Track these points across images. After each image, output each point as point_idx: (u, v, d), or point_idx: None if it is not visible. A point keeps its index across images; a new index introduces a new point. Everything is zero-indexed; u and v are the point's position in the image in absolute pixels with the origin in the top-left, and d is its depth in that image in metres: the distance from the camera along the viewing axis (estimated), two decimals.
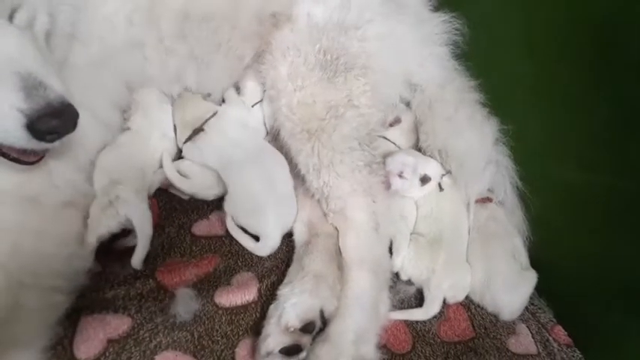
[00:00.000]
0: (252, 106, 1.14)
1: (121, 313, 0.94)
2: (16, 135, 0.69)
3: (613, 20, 0.95)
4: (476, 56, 1.23)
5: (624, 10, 0.92)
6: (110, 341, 0.91)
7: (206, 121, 1.13)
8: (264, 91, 1.13)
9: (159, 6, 1.01)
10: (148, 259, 1.01)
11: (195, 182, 1.09)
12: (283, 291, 0.96)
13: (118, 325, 0.93)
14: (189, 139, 1.11)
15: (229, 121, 1.14)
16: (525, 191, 1.14)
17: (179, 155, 1.14)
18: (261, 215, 1.05)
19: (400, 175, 1.13)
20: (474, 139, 1.18)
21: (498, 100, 1.19)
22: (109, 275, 0.98)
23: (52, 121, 0.69)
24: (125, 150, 0.95)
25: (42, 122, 0.69)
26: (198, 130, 1.12)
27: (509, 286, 1.05)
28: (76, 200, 0.89)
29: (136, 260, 0.98)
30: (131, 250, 1.00)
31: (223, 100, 1.17)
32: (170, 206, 1.12)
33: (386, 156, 1.17)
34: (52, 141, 0.72)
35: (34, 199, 0.83)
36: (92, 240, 0.92)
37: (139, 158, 1.04)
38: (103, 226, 0.94)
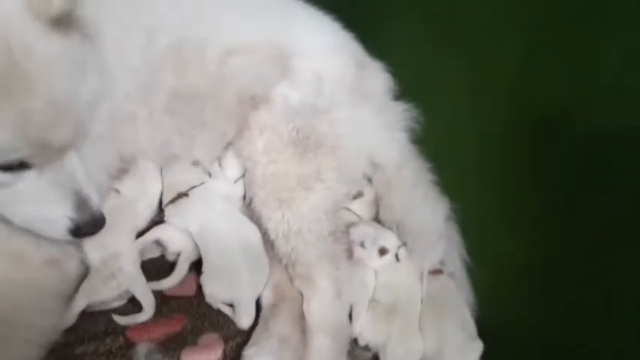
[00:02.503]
0: (235, 182, 1.23)
1: None
2: (59, 234, 0.86)
3: (556, 108, 1.09)
4: (430, 142, 1.38)
5: (567, 101, 1.06)
6: None
7: (192, 187, 1.21)
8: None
9: (152, 84, 1.12)
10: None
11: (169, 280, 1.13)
12: (248, 352, 1.01)
13: None
14: (171, 201, 1.18)
15: (214, 194, 1.22)
16: (473, 265, 1.26)
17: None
18: (239, 284, 1.11)
19: (361, 245, 1.24)
20: (428, 216, 1.30)
21: (449, 181, 1.34)
22: (79, 331, 1.00)
23: (91, 229, 0.87)
24: (114, 218, 1.01)
25: (84, 229, 0.86)
26: (182, 195, 1.19)
27: (458, 355, 1.13)
28: (58, 258, 0.94)
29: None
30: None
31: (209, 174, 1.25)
32: (142, 266, 1.17)
33: (349, 226, 1.28)
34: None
35: (19, 254, 0.88)
36: (82, 304, 0.97)
37: (128, 225, 1.11)
38: (101, 295, 0.99)
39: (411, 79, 1.41)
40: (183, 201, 1.19)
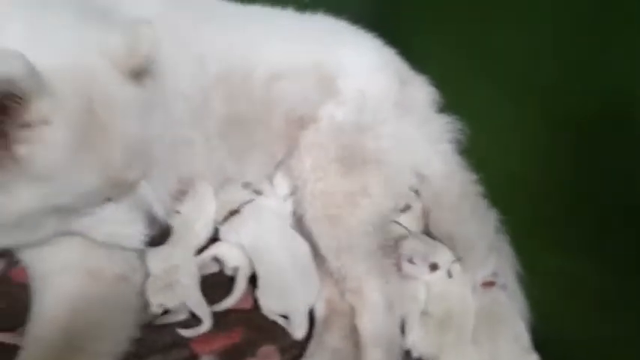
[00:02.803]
0: (285, 200, 1.29)
1: None
2: (136, 246, 0.98)
3: (609, 113, 1.06)
4: (476, 153, 1.38)
5: (610, 110, 1.05)
6: None
7: (243, 204, 1.27)
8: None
9: (205, 110, 1.20)
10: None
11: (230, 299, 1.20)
12: None
13: None
14: (225, 219, 1.24)
15: (264, 211, 1.28)
16: (526, 278, 1.24)
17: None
18: (291, 297, 1.16)
19: (410, 261, 1.25)
20: (478, 227, 1.30)
21: (497, 192, 1.33)
22: (147, 342, 1.07)
23: (161, 239, 0.98)
24: (176, 235, 1.08)
25: (156, 240, 0.98)
26: (234, 212, 1.26)
27: None
28: (128, 274, 1.03)
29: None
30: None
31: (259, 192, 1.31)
32: (203, 280, 1.23)
33: (398, 240, 1.30)
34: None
35: (95, 271, 0.97)
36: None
37: (188, 242, 1.19)
38: (156, 306, 1.08)
39: (455, 92, 1.42)
40: (236, 218, 1.25)
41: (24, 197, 0.76)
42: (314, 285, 1.19)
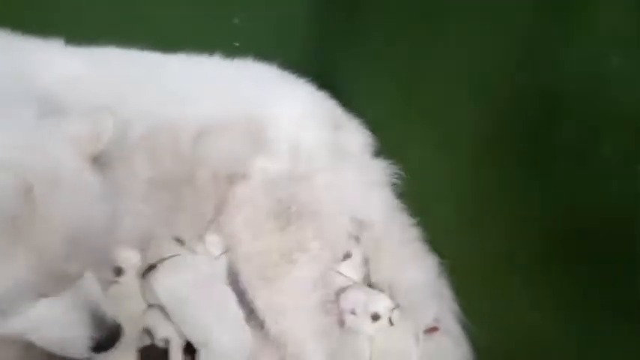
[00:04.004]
0: (218, 257, 1.23)
1: None
2: (81, 353, 0.86)
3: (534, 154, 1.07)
4: (413, 197, 1.38)
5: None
6: None
7: (162, 260, 1.20)
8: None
9: (129, 175, 1.13)
10: None
11: None
12: None
13: None
14: (143, 276, 1.18)
15: (185, 265, 1.22)
16: (468, 322, 1.23)
17: None
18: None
19: (353, 313, 1.22)
20: (419, 273, 1.29)
21: (435, 236, 1.33)
22: None
23: (111, 343, 0.87)
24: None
25: (104, 344, 0.86)
26: (151, 267, 1.19)
27: None
28: None
29: None
30: None
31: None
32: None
33: (339, 292, 1.27)
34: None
35: None
36: None
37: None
38: None
39: (390, 135, 1.42)
40: (152, 274, 1.19)
41: None
42: (244, 347, 1.14)
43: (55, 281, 0.79)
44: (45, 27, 1.18)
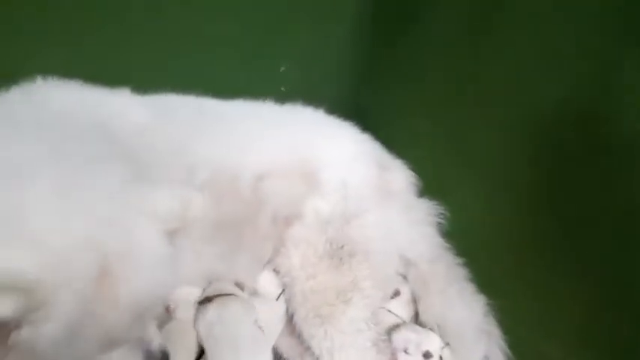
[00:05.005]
0: (277, 299, 1.28)
1: None
2: None
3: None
4: (458, 236, 1.42)
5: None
6: None
7: (219, 295, 1.25)
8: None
9: (196, 220, 1.20)
10: None
11: None
12: None
13: None
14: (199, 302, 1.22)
15: (234, 307, 1.25)
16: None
17: None
18: None
19: (405, 352, 1.26)
20: (466, 312, 1.32)
21: (483, 276, 1.36)
22: None
23: None
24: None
25: None
26: (209, 298, 1.23)
27: None
28: None
29: None
30: None
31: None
32: None
33: (390, 331, 1.30)
34: None
35: None
36: None
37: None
38: None
39: (433, 175, 1.48)
40: (204, 306, 1.22)
41: None
42: None
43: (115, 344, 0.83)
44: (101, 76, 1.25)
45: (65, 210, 0.75)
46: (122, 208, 0.81)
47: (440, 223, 1.44)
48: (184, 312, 1.22)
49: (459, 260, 1.40)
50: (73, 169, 0.81)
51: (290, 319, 1.26)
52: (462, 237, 1.42)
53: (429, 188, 1.49)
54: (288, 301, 1.27)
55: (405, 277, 1.43)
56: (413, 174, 1.50)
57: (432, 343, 1.27)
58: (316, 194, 1.33)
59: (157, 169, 1.04)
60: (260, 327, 1.22)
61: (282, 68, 1.69)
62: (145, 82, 1.32)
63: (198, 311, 1.23)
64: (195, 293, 1.26)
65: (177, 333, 1.18)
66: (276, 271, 1.30)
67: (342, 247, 1.29)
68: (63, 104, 1.06)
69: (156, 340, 0.92)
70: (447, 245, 1.43)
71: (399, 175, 1.49)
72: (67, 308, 0.71)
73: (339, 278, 1.25)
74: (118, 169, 0.88)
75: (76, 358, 0.78)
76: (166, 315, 1.19)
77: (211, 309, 1.23)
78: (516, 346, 1.28)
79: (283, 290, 1.28)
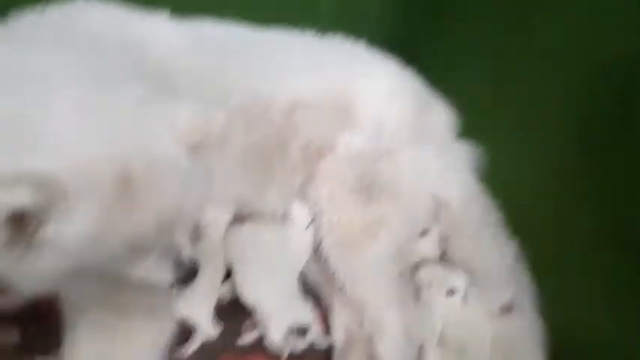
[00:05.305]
0: (306, 228, 1.30)
1: None
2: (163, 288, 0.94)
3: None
4: (496, 181, 1.37)
5: None
6: None
7: (250, 217, 1.30)
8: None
9: (225, 139, 1.21)
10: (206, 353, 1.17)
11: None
12: None
13: None
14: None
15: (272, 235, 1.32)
16: (546, 308, 1.23)
17: None
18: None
19: (429, 286, 1.26)
20: (497, 255, 1.30)
21: (518, 221, 1.32)
22: None
23: (188, 281, 0.94)
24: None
25: (182, 283, 0.93)
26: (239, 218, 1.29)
27: None
28: (157, 308, 1.05)
29: None
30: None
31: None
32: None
33: (417, 267, 1.31)
34: None
35: (121, 308, 1.00)
36: None
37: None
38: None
39: (477, 116, 1.41)
40: (236, 225, 1.29)
41: (56, 261, 0.77)
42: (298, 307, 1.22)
43: (144, 252, 0.86)
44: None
45: (89, 120, 0.76)
46: (145, 121, 0.81)
47: (477, 167, 1.39)
48: (214, 233, 1.27)
49: (494, 204, 1.36)
50: (101, 83, 0.82)
51: (317, 246, 1.28)
52: (500, 182, 1.37)
53: (469, 130, 1.43)
54: (315, 230, 1.28)
55: (435, 217, 1.40)
56: (453, 114, 1.44)
57: (458, 280, 1.27)
58: (350, 128, 1.32)
59: (188, 90, 1.05)
60: (288, 252, 1.26)
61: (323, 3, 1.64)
62: (183, 8, 1.32)
63: (229, 232, 1.28)
64: (225, 216, 1.30)
65: (205, 253, 1.22)
66: (305, 201, 1.31)
67: (372, 183, 1.28)
68: (100, 23, 1.08)
69: (187, 250, 0.95)
70: (483, 189, 1.38)
71: (439, 115, 1.44)
72: (89, 212, 0.73)
73: (366, 213, 1.25)
74: (145, 86, 0.89)
75: (101, 264, 0.83)
76: (196, 235, 1.23)
77: (243, 230, 1.28)
78: (543, 294, 1.25)
79: (313, 220, 1.30)
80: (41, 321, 1.12)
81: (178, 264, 0.93)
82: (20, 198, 0.66)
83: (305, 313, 1.22)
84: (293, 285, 1.27)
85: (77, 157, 0.72)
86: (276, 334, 1.17)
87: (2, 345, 1.10)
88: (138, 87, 0.86)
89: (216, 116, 0.86)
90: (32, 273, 0.80)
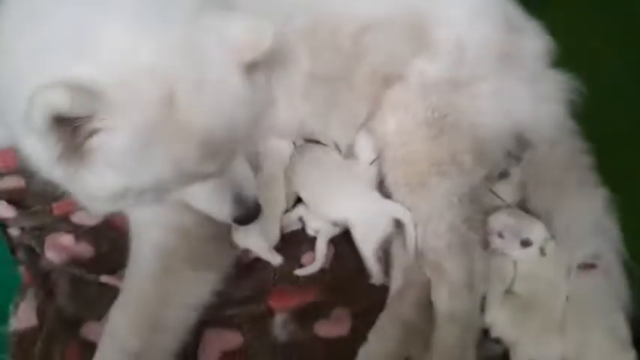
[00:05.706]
0: (371, 164, 1.22)
1: (235, 330, 1.12)
2: (225, 219, 0.96)
3: None
4: (592, 118, 1.19)
5: None
6: (224, 353, 1.09)
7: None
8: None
9: (291, 67, 1.14)
10: (261, 285, 1.17)
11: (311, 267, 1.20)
12: (373, 336, 1.05)
13: (231, 340, 1.11)
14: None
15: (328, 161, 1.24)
16: (633, 265, 1.10)
17: None
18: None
19: (500, 235, 1.16)
20: (583, 204, 1.16)
21: (611, 166, 1.15)
22: (228, 295, 1.12)
23: (248, 220, 0.96)
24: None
25: (242, 221, 0.96)
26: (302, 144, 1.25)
27: None
28: (217, 235, 1.06)
29: None
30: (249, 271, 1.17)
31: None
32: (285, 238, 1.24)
33: (490, 211, 1.20)
34: None
35: (182, 231, 1.02)
36: None
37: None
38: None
39: (575, 43, 1.21)
40: (302, 151, 1.24)
41: (108, 179, 0.80)
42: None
43: (194, 178, 0.85)
44: None
45: (139, 33, 0.76)
46: (196, 36, 0.78)
47: (572, 102, 1.21)
48: (275, 165, 1.23)
49: (586, 146, 1.19)
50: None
51: (381, 181, 1.21)
52: (595, 120, 1.19)
53: (565, 59, 1.23)
54: (379, 164, 1.20)
55: (518, 159, 1.26)
56: (548, 40, 1.24)
57: (535, 232, 1.15)
58: (424, 54, 1.18)
59: (248, 9, 0.97)
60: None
61: None
62: None
63: (294, 156, 1.24)
64: (288, 147, 1.25)
65: (267, 184, 1.20)
66: (370, 134, 1.22)
67: (445, 116, 1.16)
68: None
69: (248, 185, 0.95)
70: (576, 128, 1.21)
71: (531, 40, 1.24)
72: (133, 127, 0.74)
73: (435, 149, 1.14)
74: (201, 2, 0.84)
75: (152, 186, 0.84)
76: (256, 165, 1.21)
77: (304, 158, 1.23)
78: (635, 247, 1.10)
79: (377, 157, 1.21)
80: (113, 240, 1.20)
81: (239, 201, 0.92)
82: (57, 101, 0.68)
83: (396, 207, 1.16)
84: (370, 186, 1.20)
85: (122, 67, 0.73)
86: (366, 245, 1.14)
87: (78, 257, 1.19)
88: (198, 2, 0.83)
89: (266, 29, 0.81)
90: (90, 190, 0.84)
